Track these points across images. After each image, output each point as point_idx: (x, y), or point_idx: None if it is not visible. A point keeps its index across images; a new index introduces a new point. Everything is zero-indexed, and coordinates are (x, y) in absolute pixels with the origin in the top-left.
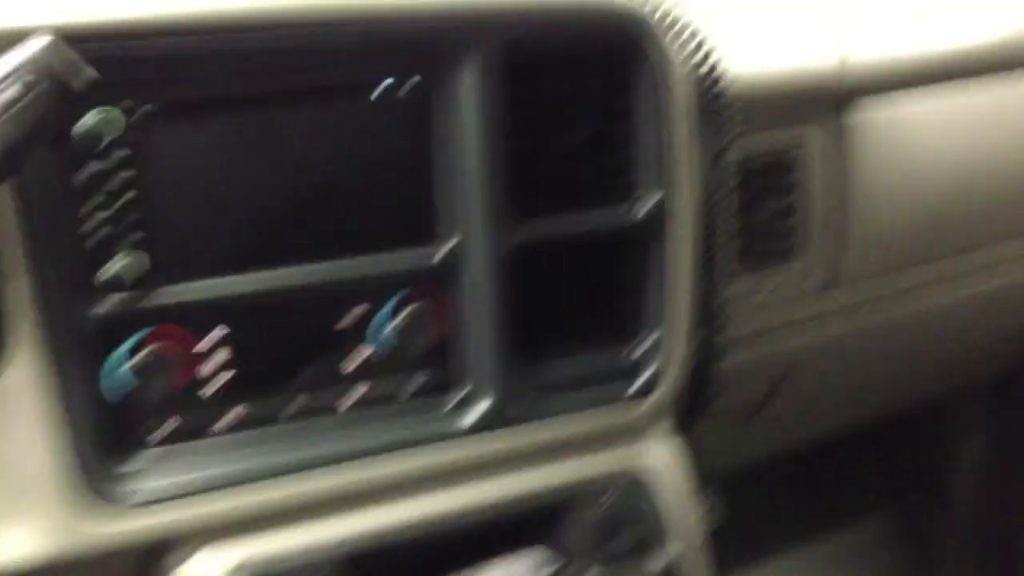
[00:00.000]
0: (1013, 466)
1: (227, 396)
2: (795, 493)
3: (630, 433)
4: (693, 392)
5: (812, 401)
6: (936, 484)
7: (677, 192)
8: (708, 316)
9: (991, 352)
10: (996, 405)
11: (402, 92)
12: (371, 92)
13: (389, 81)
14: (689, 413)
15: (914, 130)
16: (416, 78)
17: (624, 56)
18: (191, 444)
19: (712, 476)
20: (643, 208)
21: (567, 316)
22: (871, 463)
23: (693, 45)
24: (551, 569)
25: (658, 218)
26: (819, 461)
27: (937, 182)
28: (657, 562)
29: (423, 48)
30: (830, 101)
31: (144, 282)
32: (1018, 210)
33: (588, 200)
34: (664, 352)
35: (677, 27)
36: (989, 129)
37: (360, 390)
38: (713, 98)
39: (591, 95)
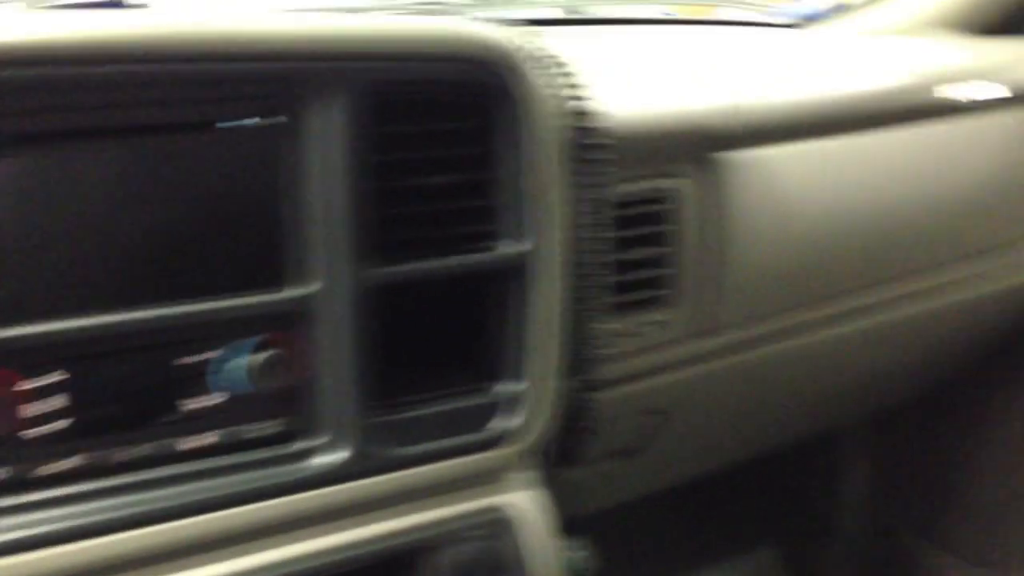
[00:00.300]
0: (893, 498)
1: (61, 445)
2: (680, 526)
3: (492, 479)
4: (566, 436)
5: (693, 440)
6: (819, 515)
7: (544, 236)
8: (578, 361)
9: (873, 389)
10: (879, 437)
11: (255, 130)
12: (222, 128)
13: (242, 118)
14: (562, 457)
15: (788, 177)
16: (270, 116)
17: (489, 93)
18: (18, 496)
19: (591, 516)
20: (508, 252)
21: (431, 359)
22: (756, 495)
23: (563, 82)
24: None
25: (524, 262)
26: (703, 494)
27: (813, 228)
28: None
29: (279, 86)
30: (706, 147)
31: None
32: (895, 254)
33: (451, 243)
34: (529, 397)
35: (546, 62)
36: (863, 175)
37: (208, 438)
38: (586, 138)
39: (456, 136)
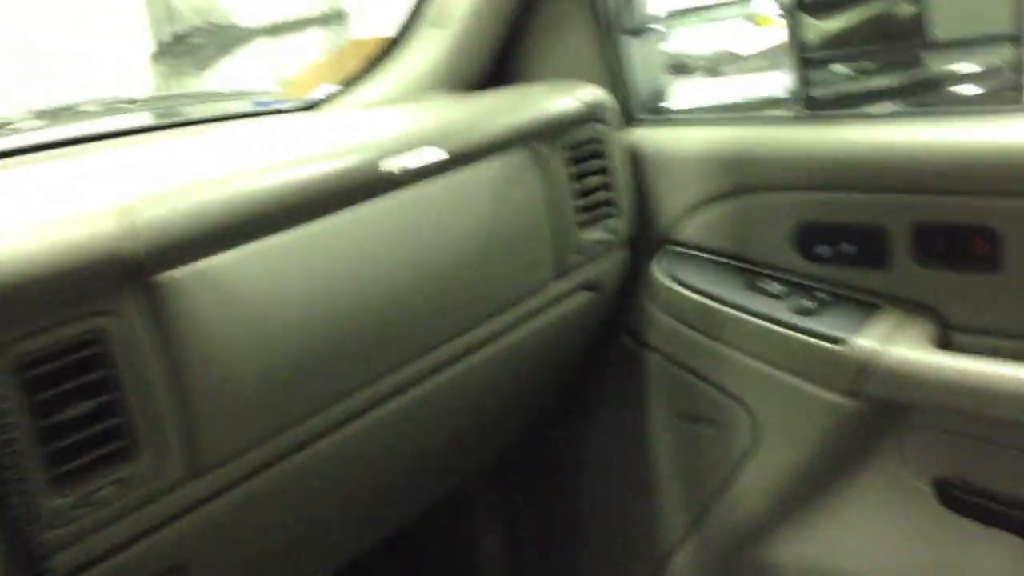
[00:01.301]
0: (529, 551)
1: None
2: None
3: None
4: None
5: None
6: None
7: None
8: (25, 554)
9: (451, 457)
10: (504, 493)
11: None
12: None
13: None
14: None
15: (243, 286)
16: None
17: None
18: None
19: None
20: None
21: None
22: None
23: None
24: None
25: None
26: None
27: (291, 332)
28: None
29: None
30: (122, 276)
31: None
32: (402, 331)
33: None
34: None
35: None
36: (336, 263)
37: None
38: None
39: None
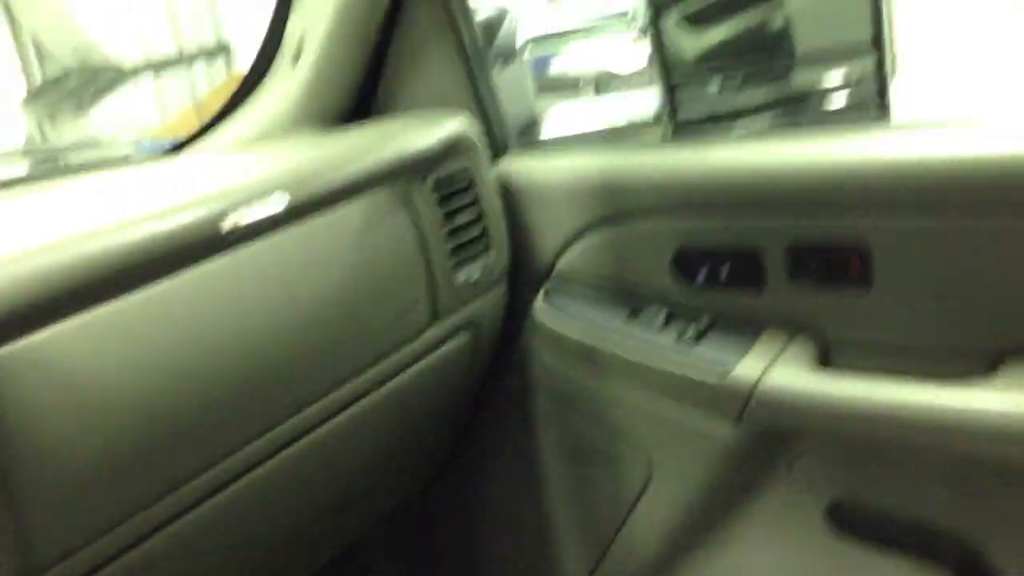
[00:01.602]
0: None
1: None
2: None
3: None
4: None
5: None
6: None
7: None
8: None
9: (327, 526)
10: (400, 550)
11: None
12: None
13: None
14: None
15: (79, 362)
16: None
17: None
18: None
19: None
20: None
21: None
22: None
23: None
24: None
25: None
26: None
27: (133, 412)
28: None
29: None
30: None
31: None
32: (270, 392)
33: None
34: None
35: None
36: (176, 330)
37: None
38: None
39: None
